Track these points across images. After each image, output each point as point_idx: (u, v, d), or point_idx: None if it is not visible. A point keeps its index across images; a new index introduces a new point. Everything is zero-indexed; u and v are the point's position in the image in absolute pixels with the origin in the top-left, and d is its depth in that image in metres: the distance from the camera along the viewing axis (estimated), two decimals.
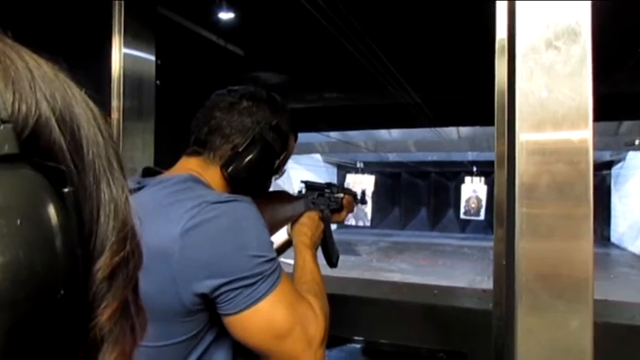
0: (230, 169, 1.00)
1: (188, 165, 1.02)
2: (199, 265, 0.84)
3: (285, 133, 1.08)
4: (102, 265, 0.29)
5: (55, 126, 0.28)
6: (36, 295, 0.24)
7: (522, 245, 0.62)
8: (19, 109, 0.26)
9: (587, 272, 0.58)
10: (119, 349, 0.30)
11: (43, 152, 0.27)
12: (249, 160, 1.01)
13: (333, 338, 1.00)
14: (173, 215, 0.85)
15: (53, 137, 0.28)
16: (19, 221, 0.24)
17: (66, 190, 0.27)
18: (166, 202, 0.88)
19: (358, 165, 11.21)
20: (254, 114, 1.03)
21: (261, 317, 0.85)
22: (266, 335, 0.86)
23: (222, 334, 0.89)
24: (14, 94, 0.26)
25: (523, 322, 0.61)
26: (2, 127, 0.25)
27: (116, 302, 0.30)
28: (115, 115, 1.57)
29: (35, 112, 0.27)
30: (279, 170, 1.13)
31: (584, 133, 0.60)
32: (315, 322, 0.91)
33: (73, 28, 1.54)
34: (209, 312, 0.87)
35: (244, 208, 0.89)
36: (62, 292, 0.25)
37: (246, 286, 0.83)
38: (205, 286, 0.83)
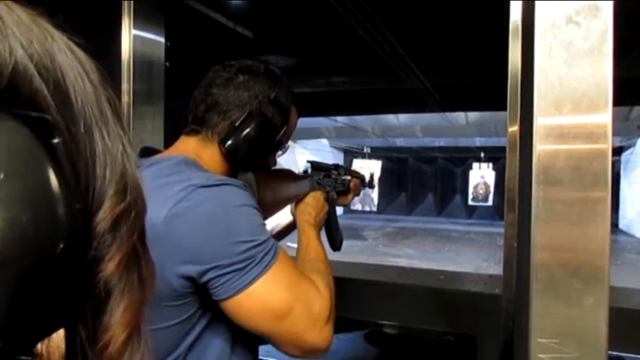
0: (227, 144, 0.97)
1: (186, 145, 1.00)
2: (184, 252, 0.82)
3: (285, 107, 1.04)
4: (102, 217, 0.28)
5: (36, 74, 0.26)
6: (32, 251, 0.23)
7: (538, 227, 0.62)
8: None
9: (603, 255, 0.58)
10: (127, 299, 0.30)
11: (25, 103, 0.25)
12: (247, 134, 0.97)
13: (341, 321, 1.00)
14: (160, 199, 0.83)
15: (34, 86, 0.26)
16: (1, 175, 0.22)
17: (55, 140, 0.25)
18: (156, 184, 0.86)
19: (365, 150, 11.16)
20: (251, 88, 1.00)
21: (256, 300, 0.82)
22: (264, 317, 0.83)
23: (218, 319, 0.87)
24: None
25: (538, 302, 0.61)
26: None
27: (121, 254, 0.29)
28: (125, 98, 1.57)
29: (10, 60, 0.25)
30: (281, 146, 1.09)
31: (604, 112, 0.59)
32: (319, 299, 0.88)
33: (82, 11, 1.53)
34: (200, 297, 0.85)
35: (233, 193, 0.87)
36: (61, 245, 0.24)
37: (235, 271, 0.81)
38: (192, 270, 0.82)
